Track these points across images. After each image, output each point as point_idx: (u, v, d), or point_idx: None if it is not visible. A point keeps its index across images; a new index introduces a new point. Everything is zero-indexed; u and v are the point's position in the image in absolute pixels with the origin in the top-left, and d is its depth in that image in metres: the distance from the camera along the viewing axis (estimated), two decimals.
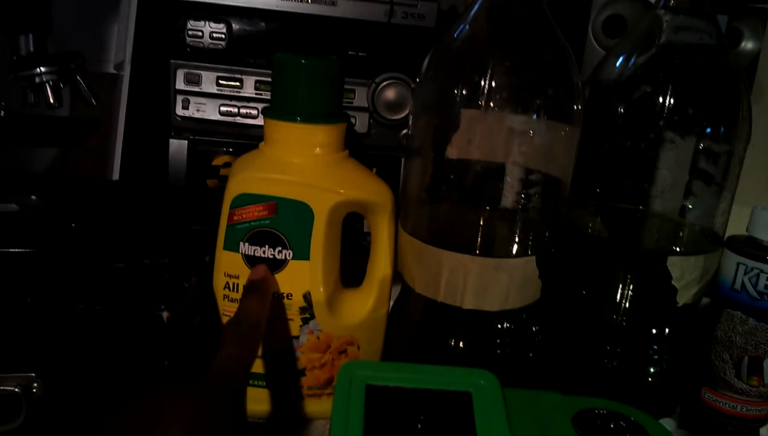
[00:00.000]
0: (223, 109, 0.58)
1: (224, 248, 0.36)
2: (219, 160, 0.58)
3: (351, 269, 0.39)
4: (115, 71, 0.61)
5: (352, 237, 0.39)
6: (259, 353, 0.36)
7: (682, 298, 0.38)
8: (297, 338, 0.36)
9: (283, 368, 0.37)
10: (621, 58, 0.40)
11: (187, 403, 0.25)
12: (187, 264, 0.37)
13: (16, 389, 0.30)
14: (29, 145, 0.59)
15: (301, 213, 0.35)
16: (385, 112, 0.58)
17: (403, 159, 0.58)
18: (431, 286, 0.37)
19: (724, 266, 0.38)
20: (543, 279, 0.37)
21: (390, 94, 0.58)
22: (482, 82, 0.35)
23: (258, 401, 0.37)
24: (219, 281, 0.36)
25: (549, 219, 0.38)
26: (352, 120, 0.59)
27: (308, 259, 0.35)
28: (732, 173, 0.39)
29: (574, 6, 0.60)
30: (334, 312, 0.37)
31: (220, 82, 0.58)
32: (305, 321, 0.36)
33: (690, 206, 0.39)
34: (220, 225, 0.36)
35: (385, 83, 0.58)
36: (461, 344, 0.37)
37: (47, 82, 0.44)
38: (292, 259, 0.35)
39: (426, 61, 0.38)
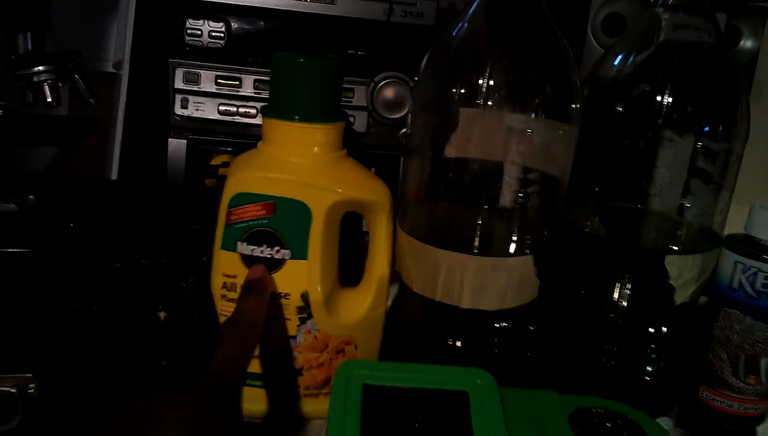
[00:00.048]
0: (222, 108, 0.58)
1: (222, 248, 0.36)
2: (218, 160, 0.58)
3: (349, 268, 0.39)
4: (113, 70, 0.61)
5: (351, 236, 0.39)
6: (257, 352, 0.36)
7: (680, 297, 0.38)
8: (294, 337, 0.36)
9: (280, 368, 0.37)
10: (620, 57, 0.39)
11: (185, 403, 0.25)
12: (185, 264, 0.37)
13: (13, 390, 0.30)
14: (27, 145, 0.59)
15: (299, 212, 0.35)
16: (384, 111, 0.58)
17: (401, 158, 0.58)
18: (429, 285, 0.37)
19: (721, 265, 0.38)
20: (541, 278, 0.37)
21: (389, 93, 0.58)
22: (481, 81, 0.35)
23: (255, 401, 0.37)
24: (216, 280, 0.36)
25: (547, 218, 0.38)
26: (351, 119, 0.59)
27: (306, 258, 0.35)
28: (730, 172, 0.39)
29: (573, 4, 0.60)
30: (332, 312, 0.37)
31: (219, 81, 0.58)
32: (303, 321, 0.36)
33: (688, 205, 0.39)
34: (217, 225, 0.36)
35: (384, 82, 0.58)
36: (459, 344, 0.37)
37: (45, 81, 0.44)
38: (289, 258, 0.35)
39: (425, 59, 0.38)
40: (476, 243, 0.38)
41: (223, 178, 0.36)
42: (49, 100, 0.44)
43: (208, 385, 0.26)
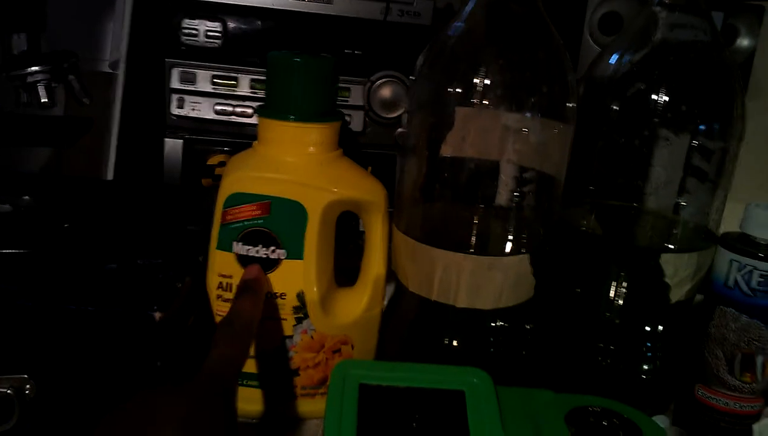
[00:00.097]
0: (218, 108, 0.58)
1: (217, 248, 0.36)
2: (214, 160, 0.58)
3: (346, 268, 0.39)
4: (110, 70, 0.61)
5: (348, 236, 0.39)
6: (253, 352, 0.36)
7: (676, 295, 0.38)
8: (290, 337, 0.36)
9: (276, 368, 0.37)
10: (616, 56, 0.40)
11: (180, 403, 0.25)
12: (181, 264, 0.37)
13: (9, 391, 0.30)
14: (22, 145, 0.59)
15: (295, 212, 0.35)
16: (381, 111, 0.58)
17: (398, 157, 0.58)
18: (425, 284, 0.37)
19: (717, 263, 0.38)
20: (537, 277, 0.37)
21: (385, 92, 0.58)
22: (477, 80, 0.35)
23: (251, 401, 0.37)
24: (212, 280, 0.36)
25: (543, 217, 0.38)
26: (348, 118, 0.59)
27: (302, 258, 0.35)
28: (726, 170, 0.39)
29: (570, 3, 0.60)
30: (328, 311, 0.37)
31: (216, 80, 0.58)
32: (299, 321, 0.36)
33: (684, 203, 0.39)
34: (213, 225, 0.36)
35: (380, 81, 0.58)
36: (455, 343, 0.37)
37: (40, 81, 0.43)
38: (285, 258, 0.35)
39: (420, 59, 0.38)
40: (472, 242, 0.38)
41: (219, 178, 0.36)
42: (44, 100, 0.44)
43: (203, 385, 0.26)
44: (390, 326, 0.39)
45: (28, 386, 0.30)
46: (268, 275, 0.35)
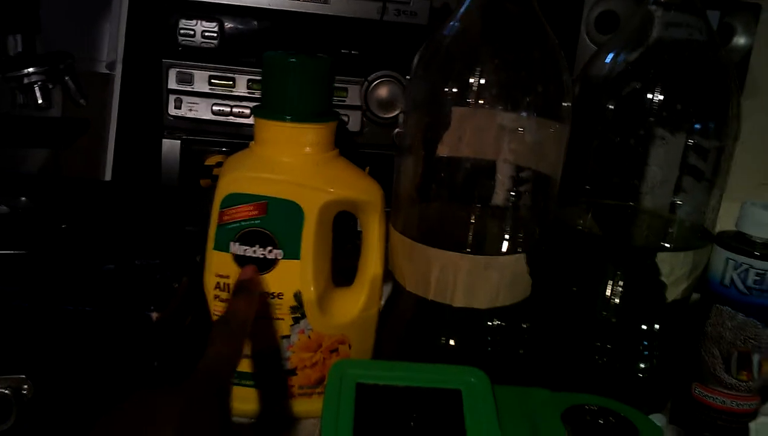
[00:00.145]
0: (215, 108, 0.58)
1: (214, 248, 0.36)
2: (212, 160, 0.58)
3: (344, 268, 0.39)
4: (106, 71, 0.61)
5: (346, 236, 0.40)
6: (251, 352, 0.36)
7: (672, 294, 0.38)
8: (288, 337, 0.36)
9: (274, 368, 0.37)
10: (611, 55, 0.40)
11: (178, 402, 0.25)
12: (178, 265, 0.37)
13: (6, 391, 0.30)
14: (18, 146, 0.59)
15: (291, 212, 0.35)
16: (378, 111, 0.58)
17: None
18: (422, 284, 0.37)
19: (713, 262, 0.38)
20: (533, 276, 0.37)
21: (383, 92, 0.58)
22: (473, 80, 0.35)
23: (249, 401, 0.37)
24: (209, 281, 0.36)
25: (539, 216, 0.38)
26: (345, 118, 0.59)
27: (299, 258, 0.35)
28: (722, 169, 0.39)
29: (567, 2, 0.60)
30: (325, 311, 0.37)
31: (213, 81, 0.58)
32: (296, 320, 0.36)
33: (680, 202, 0.39)
34: (210, 225, 0.36)
35: (377, 81, 0.58)
36: (452, 342, 0.37)
37: (36, 82, 0.44)
38: (282, 258, 0.35)
39: (416, 59, 0.38)
40: (469, 242, 0.38)
41: (217, 179, 0.36)
42: (40, 102, 0.44)
43: (199, 384, 0.26)
44: (387, 326, 0.39)
45: (25, 387, 0.30)
46: (265, 275, 0.35)
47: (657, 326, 0.39)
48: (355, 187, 0.37)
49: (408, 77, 0.39)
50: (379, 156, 0.58)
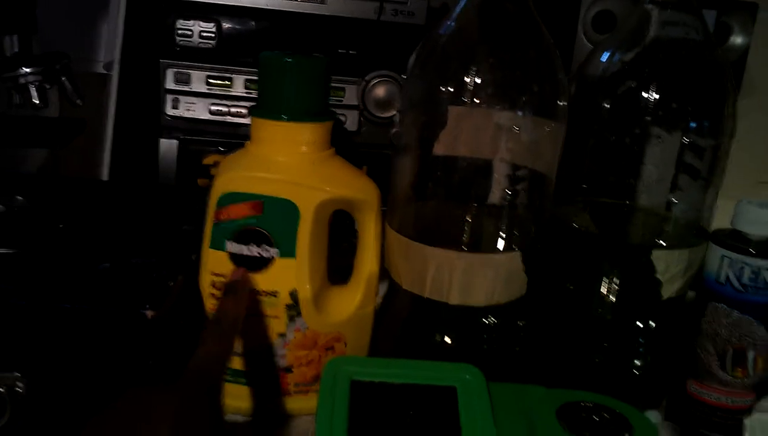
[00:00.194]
0: (213, 108, 0.58)
1: (210, 247, 0.36)
2: (210, 160, 0.58)
3: (340, 266, 0.39)
4: (104, 71, 0.61)
5: (342, 235, 0.40)
6: (247, 350, 0.36)
7: (667, 291, 0.38)
8: (284, 335, 0.36)
9: (269, 365, 0.37)
10: (607, 54, 0.40)
11: (173, 401, 0.25)
12: (174, 263, 0.37)
13: (1, 389, 0.30)
14: (15, 146, 0.59)
15: (287, 211, 0.35)
16: (375, 110, 0.59)
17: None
18: (418, 282, 0.37)
19: (709, 260, 0.38)
20: (529, 274, 0.37)
21: (380, 91, 0.58)
22: (469, 79, 0.35)
23: (245, 398, 0.37)
24: (205, 279, 0.36)
25: (535, 215, 0.38)
26: (343, 118, 0.59)
27: (294, 257, 0.35)
28: (718, 167, 0.39)
29: (564, 1, 0.60)
30: (321, 309, 0.37)
31: (210, 81, 0.58)
32: (292, 318, 0.36)
33: (676, 201, 0.39)
34: (206, 224, 0.36)
35: (375, 81, 0.58)
36: (447, 340, 0.37)
37: (32, 83, 0.44)
38: (278, 257, 0.35)
39: (412, 58, 0.38)
40: (465, 240, 0.38)
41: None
42: (36, 102, 0.44)
43: (192, 382, 0.27)
44: (383, 324, 0.39)
45: (20, 384, 0.30)
46: (261, 273, 0.35)
47: (652, 324, 0.39)
48: (351, 186, 0.37)
49: (403, 76, 0.39)
50: (376, 155, 0.58)
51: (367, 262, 0.38)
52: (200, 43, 0.57)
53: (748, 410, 0.38)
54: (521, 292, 0.38)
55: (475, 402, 0.31)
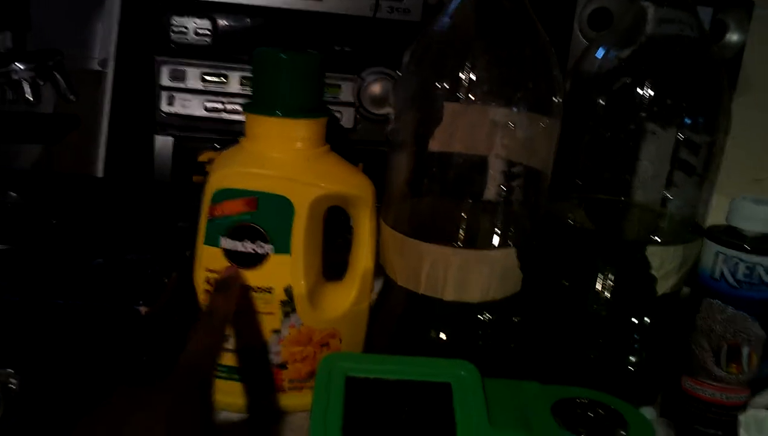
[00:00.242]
0: (208, 105, 0.58)
1: (205, 243, 0.36)
2: (205, 156, 0.58)
3: (335, 262, 0.39)
4: (99, 68, 0.61)
5: (337, 231, 0.40)
6: (241, 346, 0.36)
7: (662, 287, 0.38)
8: (278, 331, 0.36)
9: (264, 362, 0.37)
10: (603, 50, 0.40)
11: (167, 398, 0.25)
12: (168, 260, 0.37)
13: None
14: (7, 142, 0.59)
15: (282, 207, 0.35)
16: (371, 107, 0.59)
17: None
18: (412, 278, 0.37)
19: (703, 256, 0.38)
20: (524, 270, 0.37)
21: (376, 88, 0.58)
22: (464, 76, 0.35)
23: (239, 395, 0.37)
24: (200, 275, 0.36)
25: (530, 211, 0.38)
26: (338, 115, 0.59)
27: (289, 253, 0.35)
28: (713, 164, 0.39)
29: None
30: (316, 306, 0.37)
31: (205, 78, 0.57)
32: (286, 315, 0.36)
33: (671, 197, 0.40)
34: (200, 220, 0.36)
35: (370, 78, 0.58)
36: (443, 336, 0.37)
37: (25, 79, 0.44)
38: (273, 253, 0.35)
39: (407, 55, 0.38)
40: (460, 236, 0.38)
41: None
42: (29, 98, 0.44)
43: (182, 378, 0.27)
44: (378, 320, 0.39)
45: (13, 380, 0.30)
46: (256, 269, 0.35)
47: (647, 320, 0.39)
48: (346, 182, 0.37)
49: (398, 73, 0.39)
50: (372, 152, 0.58)
51: (362, 258, 0.38)
52: (195, 40, 0.57)
53: (743, 406, 0.38)
54: (516, 288, 0.38)
55: (470, 398, 0.31)
